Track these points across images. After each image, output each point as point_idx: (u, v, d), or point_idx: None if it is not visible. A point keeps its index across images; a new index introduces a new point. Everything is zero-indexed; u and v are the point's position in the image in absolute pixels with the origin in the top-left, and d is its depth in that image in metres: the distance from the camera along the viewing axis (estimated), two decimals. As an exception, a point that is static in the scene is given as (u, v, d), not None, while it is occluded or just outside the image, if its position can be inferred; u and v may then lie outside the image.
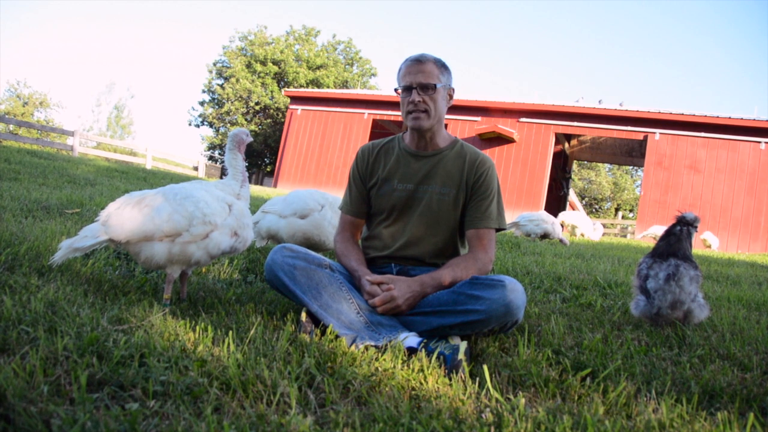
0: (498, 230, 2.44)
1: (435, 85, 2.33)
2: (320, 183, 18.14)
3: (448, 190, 2.40)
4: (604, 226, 23.81)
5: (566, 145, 20.11)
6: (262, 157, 32.17)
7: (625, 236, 20.90)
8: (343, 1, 74.32)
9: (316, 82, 32.55)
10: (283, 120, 29.98)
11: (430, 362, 1.78)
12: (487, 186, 2.42)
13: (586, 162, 34.10)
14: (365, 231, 2.61)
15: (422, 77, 2.32)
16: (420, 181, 2.42)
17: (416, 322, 2.13)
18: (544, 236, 7.99)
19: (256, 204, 7.95)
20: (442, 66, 2.38)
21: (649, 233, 11.64)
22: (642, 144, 16.97)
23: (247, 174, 2.52)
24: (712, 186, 14.54)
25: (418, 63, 2.34)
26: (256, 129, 31.57)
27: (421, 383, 1.64)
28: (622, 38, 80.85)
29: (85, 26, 68.98)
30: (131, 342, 1.63)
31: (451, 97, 2.45)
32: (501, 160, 16.36)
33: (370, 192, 2.53)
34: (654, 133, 15.20)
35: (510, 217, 14.19)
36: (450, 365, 1.78)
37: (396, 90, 2.41)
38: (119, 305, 2.10)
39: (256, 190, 13.66)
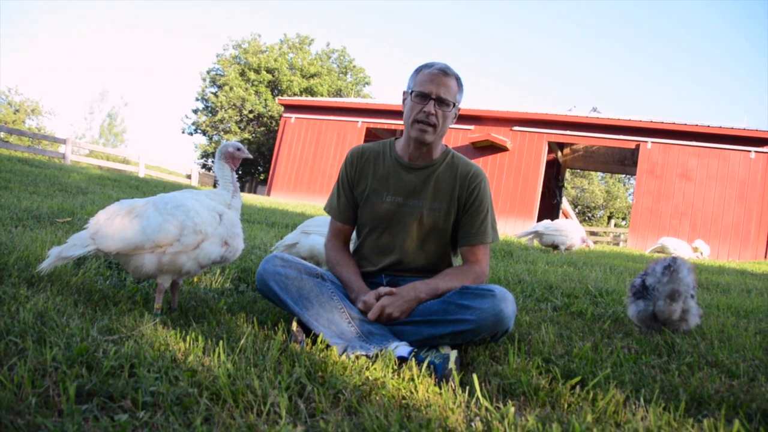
0: None
1: (453, 103, 2.27)
2: (314, 191, 18.13)
3: (438, 205, 2.36)
4: (597, 234, 24.04)
5: (559, 153, 20.20)
6: (256, 165, 32.14)
7: (617, 244, 20.97)
8: (338, 9, 74.56)
9: (309, 91, 32.62)
10: (276, 128, 29.94)
11: (420, 371, 1.78)
12: (481, 201, 2.38)
13: (578, 170, 34.25)
14: (355, 242, 2.58)
15: (444, 91, 2.24)
16: (409, 195, 2.37)
17: (407, 332, 2.12)
18: (569, 248, 7.79)
19: (248, 212, 7.96)
20: (460, 85, 2.33)
21: (657, 246, 10.87)
22: (634, 153, 17.08)
23: (238, 184, 2.50)
24: (703, 194, 14.66)
25: (443, 75, 2.25)
26: (250, 137, 31.55)
27: (412, 392, 1.64)
28: (616, 47, 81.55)
29: (79, 33, 68.90)
30: (121, 352, 1.63)
31: (455, 116, 2.37)
32: (494, 169, 16.42)
33: (357, 199, 2.47)
34: (646, 142, 15.32)
35: (502, 226, 14.20)
36: (440, 374, 1.78)
37: (409, 93, 2.30)
38: (109, 315, 2.09)
39: (250, 198, 13.64)
